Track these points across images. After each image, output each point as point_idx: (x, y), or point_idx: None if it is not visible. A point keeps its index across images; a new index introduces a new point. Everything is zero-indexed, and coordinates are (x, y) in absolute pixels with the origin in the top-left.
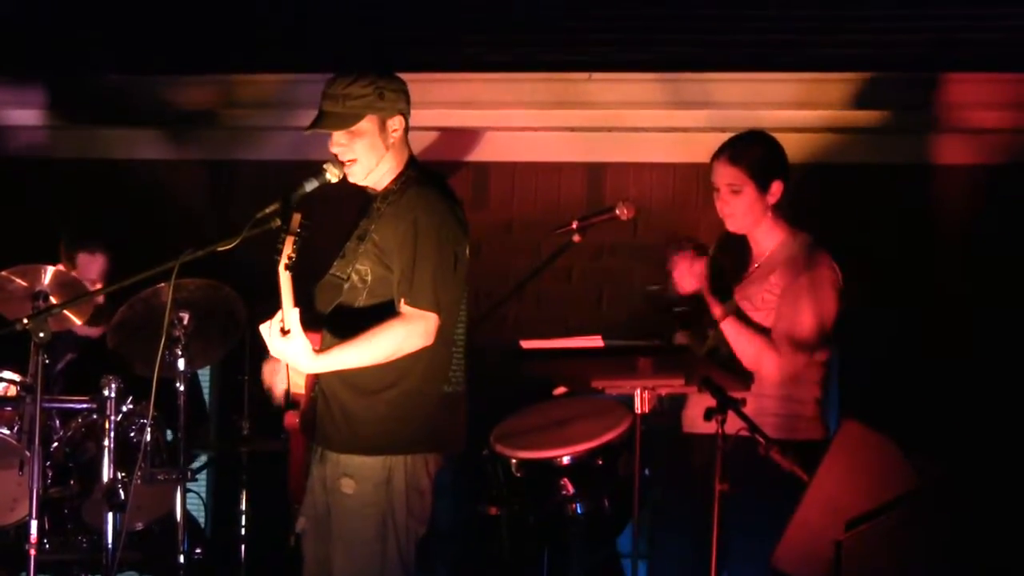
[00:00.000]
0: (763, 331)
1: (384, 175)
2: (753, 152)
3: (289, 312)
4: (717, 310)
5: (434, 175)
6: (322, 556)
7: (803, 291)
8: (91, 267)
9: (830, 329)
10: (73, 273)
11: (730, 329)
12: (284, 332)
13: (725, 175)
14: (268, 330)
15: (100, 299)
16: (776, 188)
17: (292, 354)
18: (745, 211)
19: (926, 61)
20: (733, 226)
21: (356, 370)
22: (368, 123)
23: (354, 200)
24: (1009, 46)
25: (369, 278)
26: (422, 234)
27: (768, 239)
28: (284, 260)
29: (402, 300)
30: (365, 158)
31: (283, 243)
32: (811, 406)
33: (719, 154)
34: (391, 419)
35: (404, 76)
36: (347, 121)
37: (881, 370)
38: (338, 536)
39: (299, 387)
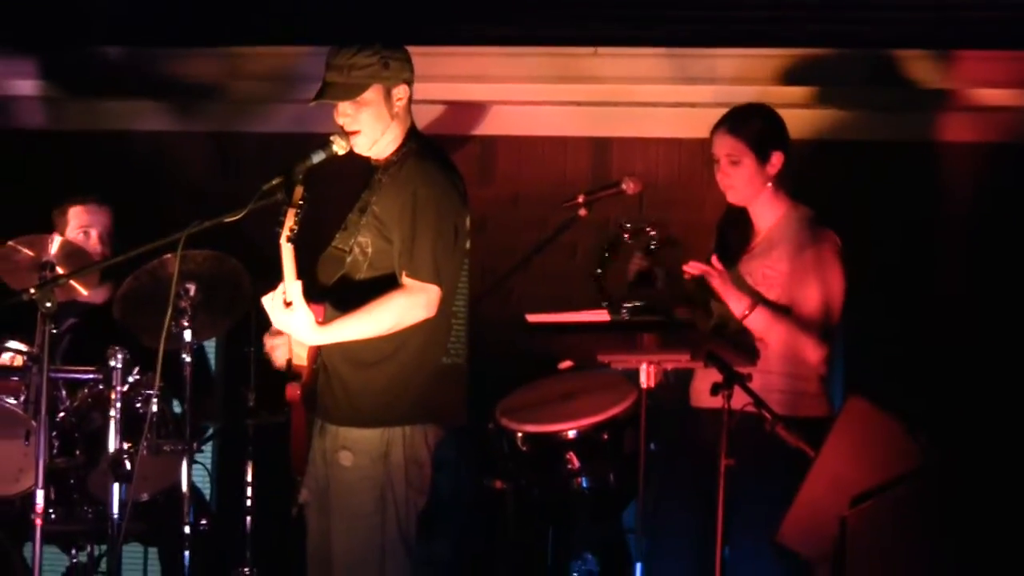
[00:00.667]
0: (786, 312)
1: (386, 145)
2: (752, 123)
3: (291, 284)
4: (742, 303)
5: (434, 146)
6: (324, 528)
7: (810, 271)
8: (83, 217)
9: (841, 305)
10: (67, 233)
11: (759, 321)
12: (287, 304)
13: (724, 145)
14: (271, 302)
15: (99, 258)
16: (776, 159)
17: (294, 326)
18: (745, 182)
19: (932, 38)
20: (733, 197)
21: (355, 342)
22: (373, 93)
23: (357, 172)
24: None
25: (370, 250)
26: (421, 206)
27: (769, 213)
28: (286, 232)
29: (403, 272)
30: (370, 128)
31: (285, 215)
32: (815, 383)
33: (718, 125)
34: (389, 391)
35: (410, 49)
36: (352, 91)
37: (884, 352)
38: (337, 509)
39: (301, 359)
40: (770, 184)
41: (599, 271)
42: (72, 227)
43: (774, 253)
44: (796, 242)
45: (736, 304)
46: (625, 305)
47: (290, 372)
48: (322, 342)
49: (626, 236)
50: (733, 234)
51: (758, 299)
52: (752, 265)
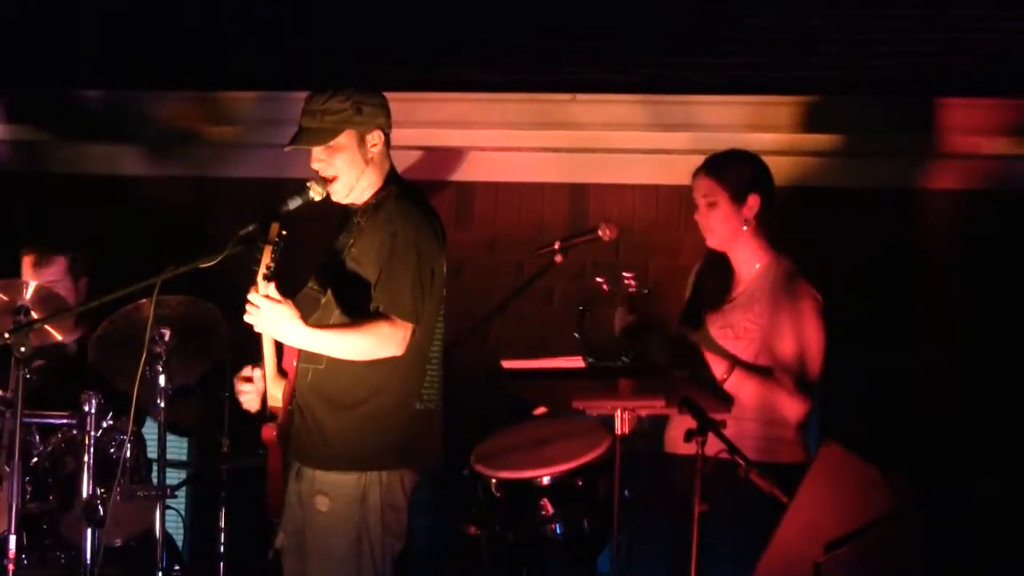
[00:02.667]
0: (765, 372)
1: (364, 190)
2: (731, 166)
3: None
4: (721, 367)
5: (414, 190)
6: (301, 572)
7: (790, 327)
8: (27, 271)
9: (821, 361)
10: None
11: (738, 382)
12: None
13: (701, 187)
14: (256, 295)
15: (71, 304)
16: (752, 201)
17: (280, 318)
18: (721, 224)
19: (912, 86)
20: (712, 241)
21: (330, 384)
22: (346, 138)
23: (334, 214)
24: (994, 71)
25: (347, 292)
26: (400, 246)
27: (751, 260)
28: (262, 270)
29: (379, 308)
30: (345, 174)
31: (262, 253)
32: (791, 429)
33: (698, 170)
34: (365, 434)
35: (388, 95)
36: (325, 136)
37: (861, 399)
38: (313, 553)
39: (277, 400)
40: (747, 228)
41: (576, 335)
42: (24, 276)
43: (756, 307)
44: (777, 296)
45: (716, 367)
46: (623, 358)
47: (266, 414)
48: (300, 343)
49: (604, 287)
50: (712, 280)
51: (736, 362)
52: (735, 316)
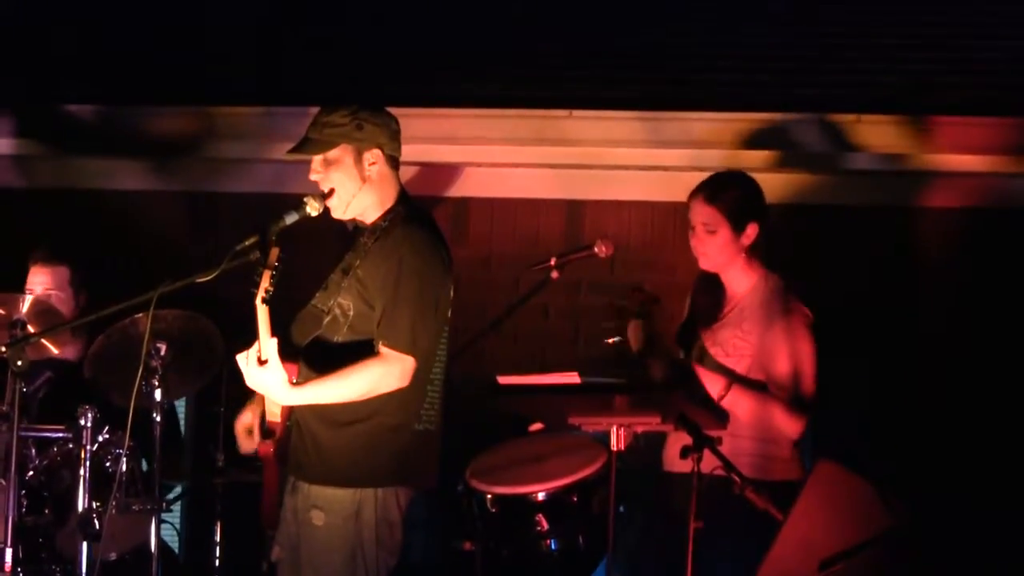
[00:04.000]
0: (760, 387)
1: (369, 209)
2: (730, 193)
3: (267, 342)
4: (718, 385)
5: (423, 213)
6: None
7: (781, 344)
8: (33, 275)
9: (814, 376)
10: (28, 288)
11: (735, 400)
12: (261, 362)
13: (701, 214)
14: (245, 360)
15: (69, 316)
16: (751, 230)
17: (268, 384)
18: (718, 251)
19: (906, 104)
20: (706, 264)
21: (329, 404)
22: (342, 152)
23: (337, 231)
24: (989, 89)
25: (351, 313)
26: (405, 275)
27: (742, 280)
28: (261, 294)
29: (381, 341)
30: (341, 188)
31: (260, 277)
32: (786, 447)
33: (696, 193)
34: (362, 451)
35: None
36: (320, 147)
37: (856, 417)
38: (308, 567)
39: (275, 416)
40: (744, 253)
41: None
42: (29, 283)
43: (745, 324)
44: (767, 313)
45: (713, 386)
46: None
47: (263, 429)
48: (295, 402)
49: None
50: (704, 300)
51: (733, 379)
52: (724, 334)
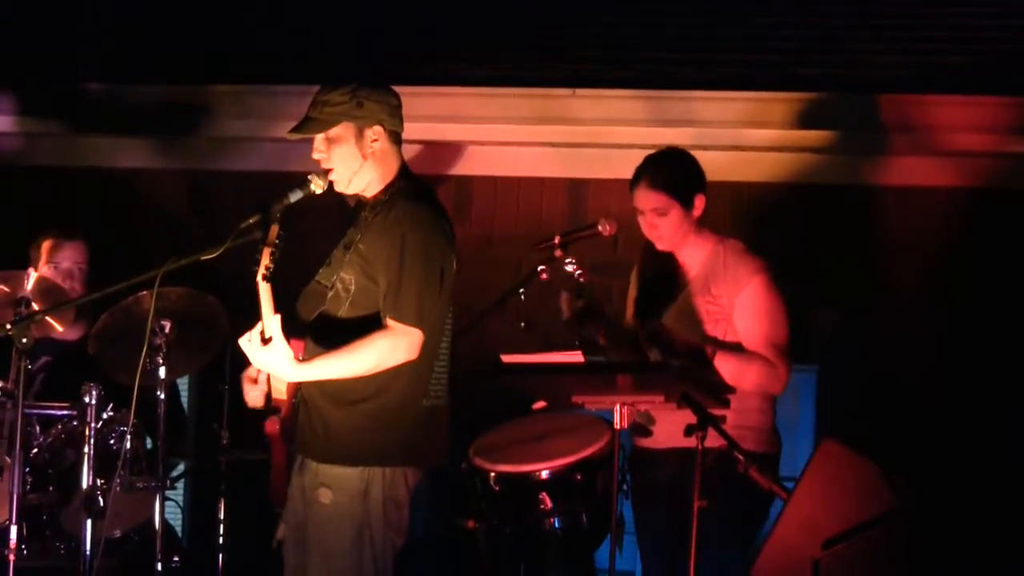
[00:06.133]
0: (737, 348)
1: (371, 184)
2: (671, 172)
3: (270, 320)
4: (708, 348)
5: (424, 188)
6: (302, 564)
7: (751, 304)
8: (54, 251)
9: (787, 326)
10: (43, 268)
11: (721, 363)
12: (265, 341)
13: (649, 200)
14: (247, 343)
15: (70, 292)
16: (699, 202)
17: (273, 363)
18: (673, 231)
19: (909, 82)
20: (663, 246)
21: (335, 381)
22: (343, 130)
23: (342, 207)
24: (991, 68)
25: (353, 288)
26: (409, 249)
27: (697, 251)
28: (262, 271)
29: (388, 315)
30: (342, 166)
31: (261, 254)
32: (757, 417)
33: (638, 179)
34: (369, 430)
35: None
36: (320, 126)
37: (857, 391)
38: (315, 546)
39: (281, 394)
40: (695, 227)
41: (522, 324)
42: (44, 261)
43: (713, 288)
44: (733, 275)
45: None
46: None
47: (270, 407)
48: (301, 379)
49: (543, 276)
50: (657, 280)
51: (715, 344)
52: (695, 303)
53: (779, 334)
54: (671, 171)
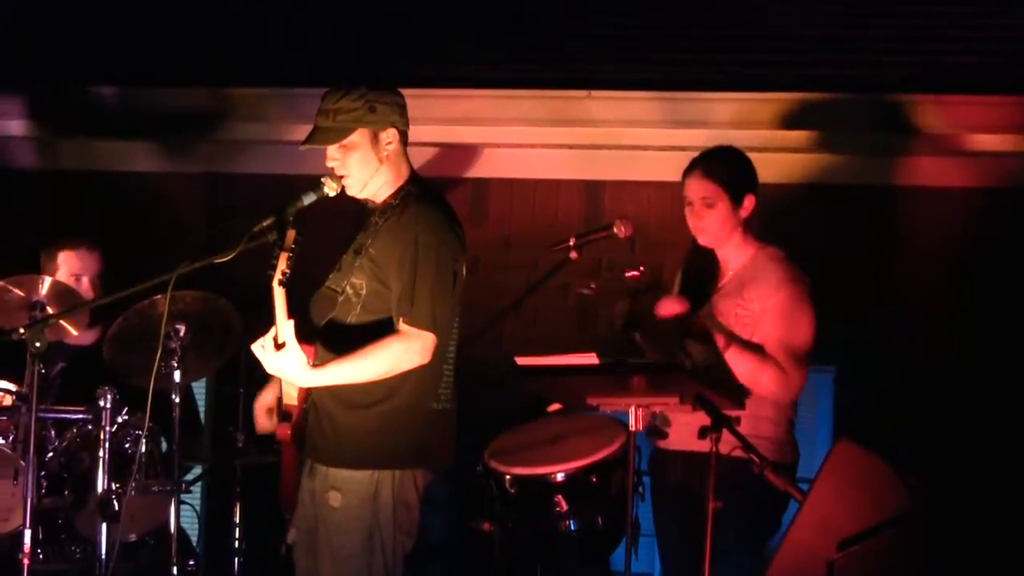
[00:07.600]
0: (757, 349)
1: (381, 188)
2: (727, 166)
3: (284, 325)
4: (718, 343)
5: (433, 191)
6: (312, 569)
7: (783, 308)
8: (73, 263)
9: (812, 340)
10: (58, 275)
11: (734, 359)
12: (279, 346)
13: (699, 189)
14: (261, 348)
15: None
16: (748, 203)
17: (287, 367)
18: (718, 225)
19: (926, 82)
20: (705, 240)
21: (346, 385)
22: (359, 136)
23: (354, 212)
24: (1000, 69)
25: (364, 292)
26: (422, 253)
27: (738, 254)
28: (278, 276)
29: (401, 318)
30: (359, 172)
31: (277, 259)
32: (772, 427)
33: (691, 169)
34: (379, 433)
35: (403, 91)
36: (337, 135)
37: (874, 392)
38: (325, 549)
39: (292, 399)
40: (740, 227)
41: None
42: (62, 272)
43: (745, 293)
44: (769, 281)
45: (720, 339)
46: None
47: (281, 411)
48: (315, 384)
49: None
50: (699, 276)
51: (733, 338)
52: (724, 305)
53: (797, 342)
54: (725, 164)
